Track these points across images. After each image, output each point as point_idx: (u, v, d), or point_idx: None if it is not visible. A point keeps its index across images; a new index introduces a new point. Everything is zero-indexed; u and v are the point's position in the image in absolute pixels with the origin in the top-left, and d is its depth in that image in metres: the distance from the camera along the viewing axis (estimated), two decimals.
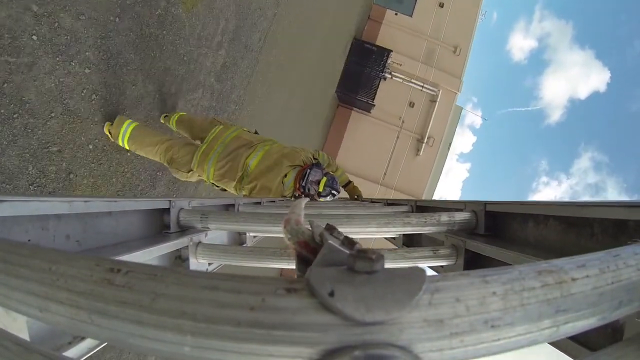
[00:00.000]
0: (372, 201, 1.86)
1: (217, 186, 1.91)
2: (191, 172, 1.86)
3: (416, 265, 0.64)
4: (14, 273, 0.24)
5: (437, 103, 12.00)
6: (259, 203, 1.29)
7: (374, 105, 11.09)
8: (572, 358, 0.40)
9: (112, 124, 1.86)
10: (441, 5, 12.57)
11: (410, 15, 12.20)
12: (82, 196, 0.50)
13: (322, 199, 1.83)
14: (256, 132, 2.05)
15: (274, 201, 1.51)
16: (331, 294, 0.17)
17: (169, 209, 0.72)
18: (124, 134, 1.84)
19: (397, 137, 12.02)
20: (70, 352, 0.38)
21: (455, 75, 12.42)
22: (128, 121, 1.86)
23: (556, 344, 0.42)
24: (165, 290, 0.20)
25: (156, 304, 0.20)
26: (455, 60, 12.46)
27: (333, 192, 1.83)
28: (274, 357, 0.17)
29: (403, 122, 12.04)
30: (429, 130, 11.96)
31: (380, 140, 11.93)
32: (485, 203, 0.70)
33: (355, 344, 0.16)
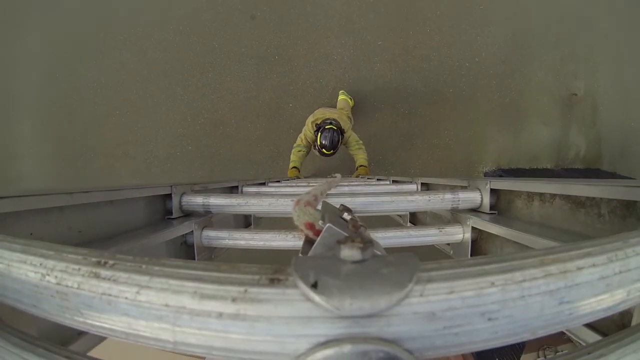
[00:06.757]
0: (378, 179, 1.84)
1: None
2: None
3: (409, 252, 0.64)
4: (7, 270, 0.24)
5: None
6: (264, 184, 1.29)
7: None
8: (580, 341, 0.39)
9: None
10: None
11: None
12: (82, 188, 0.50)
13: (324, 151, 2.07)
14: None
15: (279, 181, 1.51)
16: (314, 285, 0.16)
17: (170, 194, 0.71)
18: None
19: None
20: (75, 346, 0.39)
21: None
22: None
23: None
24: (148, 282, 0.20)
25: (140, 296, 0.19)
26: None
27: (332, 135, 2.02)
28: (257, 352, 0.16)
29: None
30: None
31: None
32: (490, 180, 0.67)
33: (341, 337, 0.15)
